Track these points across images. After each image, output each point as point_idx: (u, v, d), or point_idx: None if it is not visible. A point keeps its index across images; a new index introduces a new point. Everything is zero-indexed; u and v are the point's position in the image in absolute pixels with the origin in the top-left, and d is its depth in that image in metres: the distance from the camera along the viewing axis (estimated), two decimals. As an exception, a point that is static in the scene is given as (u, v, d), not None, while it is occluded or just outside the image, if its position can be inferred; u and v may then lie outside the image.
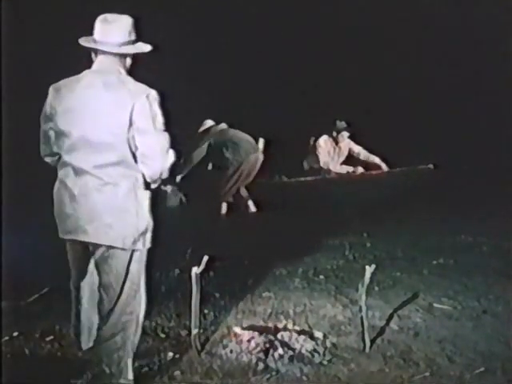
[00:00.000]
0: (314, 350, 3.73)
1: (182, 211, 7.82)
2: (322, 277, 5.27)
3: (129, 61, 3.24)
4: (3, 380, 3.39)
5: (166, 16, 8.95)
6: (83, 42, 3.20)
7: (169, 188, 7.81)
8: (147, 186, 3.21)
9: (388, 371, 3.58)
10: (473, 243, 6.37)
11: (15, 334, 3.95)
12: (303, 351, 3.71)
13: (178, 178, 7.81)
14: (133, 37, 3.21)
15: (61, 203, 3.21)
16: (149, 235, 3.23)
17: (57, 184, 3.26)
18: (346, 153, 10.89)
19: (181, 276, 5.12)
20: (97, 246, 3.20)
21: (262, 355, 3.65)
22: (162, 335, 4.02)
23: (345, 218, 7.63)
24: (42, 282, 4.90)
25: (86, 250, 3.26)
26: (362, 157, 10.86)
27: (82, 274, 3.35)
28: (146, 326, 4.11)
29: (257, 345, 3.73)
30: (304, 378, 3.51)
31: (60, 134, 3.18)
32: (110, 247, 3.16)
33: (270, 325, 3.98)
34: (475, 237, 6.51)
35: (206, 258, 3.78)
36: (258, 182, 8.18)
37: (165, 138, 3.15)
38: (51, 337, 3.93)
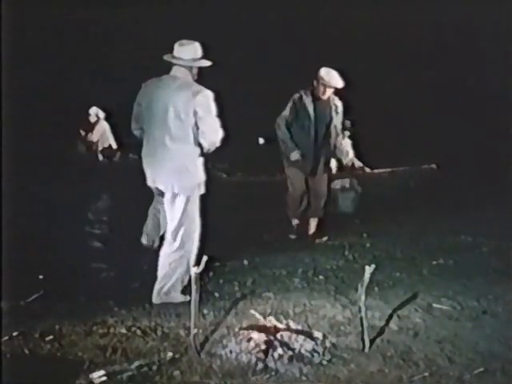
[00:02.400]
0: (314, 350, 3.73)
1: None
2: (321, 277, 5.27)
3: (195, 70, 4.61)
4: (3, 380, 3.40)
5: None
6: (165, 57, 4.59)
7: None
8: (201, 154, 4.59)
9: (388, 371, 3.57)
10: (473, 243, 6.37)
11: (15, 333, 3.95)
12: (303, 351, 3.70)
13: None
14: (198, 55, 4.59)
15: (147, 162, 4.67)
16: (203, 185, 4.62)
17: (143, 150, 4.69)
18: (345, 151, 10.91)
19: (181, 276, 5.12)
20: (167, 192, 4.60)
21: (261, 355, 3.64)
22: (162, 335, 4.02)
23: (345, 218, 7.64)
24: (42, 282, 4.90)
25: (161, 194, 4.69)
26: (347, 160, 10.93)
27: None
28: (146, 326, 4.12)
29: (256, 345, 3.73)
30: (303, 378, 3.50)
31: (146, 116, 4.63)
32: (175, 194, 4.56)
33: (270, 325, 3.97)
34: (475, 237, 6.51)
35: (205, 257, 3.78)
36: (258, 181, 8.17)
37: (217, 121, 4.54)
38: (51, 337, 3.93)
